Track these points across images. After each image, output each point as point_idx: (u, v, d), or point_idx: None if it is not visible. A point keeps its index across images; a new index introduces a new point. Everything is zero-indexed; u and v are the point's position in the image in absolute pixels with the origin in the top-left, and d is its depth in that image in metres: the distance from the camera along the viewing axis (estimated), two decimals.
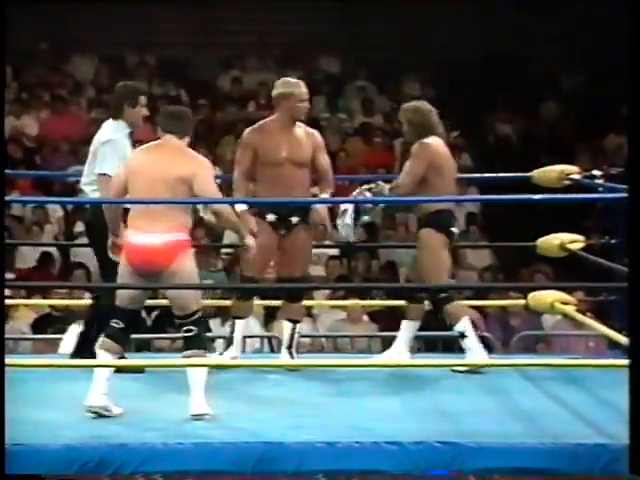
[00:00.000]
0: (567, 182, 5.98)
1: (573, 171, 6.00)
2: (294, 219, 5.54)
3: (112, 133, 5.33)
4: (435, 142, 5.55)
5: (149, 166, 4.68)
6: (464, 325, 5.50)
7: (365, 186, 5.57)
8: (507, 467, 4.25)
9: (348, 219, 5.58)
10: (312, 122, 11.77)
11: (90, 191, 5.41)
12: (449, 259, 5.62)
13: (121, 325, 4.71)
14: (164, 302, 5.15)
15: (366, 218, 5.63)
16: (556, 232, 5.93)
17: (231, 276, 9.13)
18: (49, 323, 8.12)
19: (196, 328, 4.66)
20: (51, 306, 8.14)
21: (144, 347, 7.26)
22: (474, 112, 12.05)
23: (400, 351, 5.63)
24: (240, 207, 5.41)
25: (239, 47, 12.59)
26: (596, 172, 5.70)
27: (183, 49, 12.63)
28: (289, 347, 5.64)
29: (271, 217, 5.51)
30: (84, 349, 5.44)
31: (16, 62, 12.12)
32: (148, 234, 4.61)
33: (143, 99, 5.38)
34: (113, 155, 5.25)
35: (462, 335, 5.50)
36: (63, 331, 7.64)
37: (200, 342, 4.69)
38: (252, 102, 12.14)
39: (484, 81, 12.21)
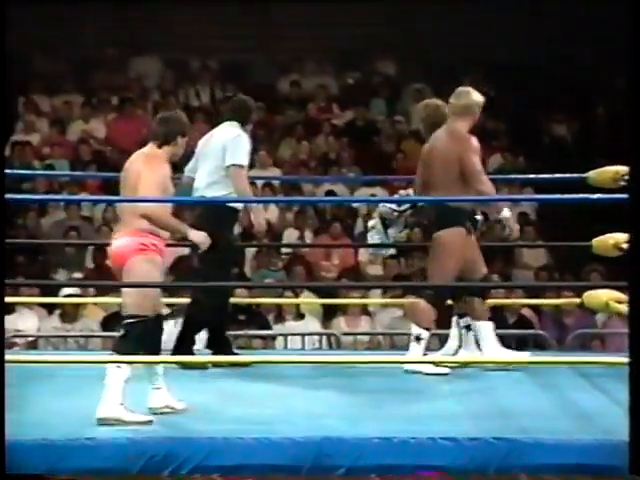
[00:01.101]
0: (622, 183, 6.01)
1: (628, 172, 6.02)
2: None
3: (239, 131, 5.87)
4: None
5: (122, 175, 4.79)
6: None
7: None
8: (562, 464, 4.27)
9: (376, 236, 5.70)
10: (369, 125, 11.95)
11: (213, 192, 5.70)
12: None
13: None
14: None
15: (400, 234, 5.70)
16: (611, 232, 5.97)
17: (290, 275, 9.23)
18: (118, 321, 8.23)
19: (125, 331, 4.56)
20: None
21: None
22: (529, 113, 12.03)
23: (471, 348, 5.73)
24: (508, 213, 5.62)
25: (298, 51, 12.70)
26: None
27: (244, 53, 12.75)
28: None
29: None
30: (183, 347, 5.63)
31: (83, 66, 12.36)
32: (115, 238, 4.71)
33: None
34: (244, 148, 5.79)
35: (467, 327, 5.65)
36: None
37: (120, 346, 4.55)
38: (311, 104, 12.26)
39: (540, 82, 12.18)
